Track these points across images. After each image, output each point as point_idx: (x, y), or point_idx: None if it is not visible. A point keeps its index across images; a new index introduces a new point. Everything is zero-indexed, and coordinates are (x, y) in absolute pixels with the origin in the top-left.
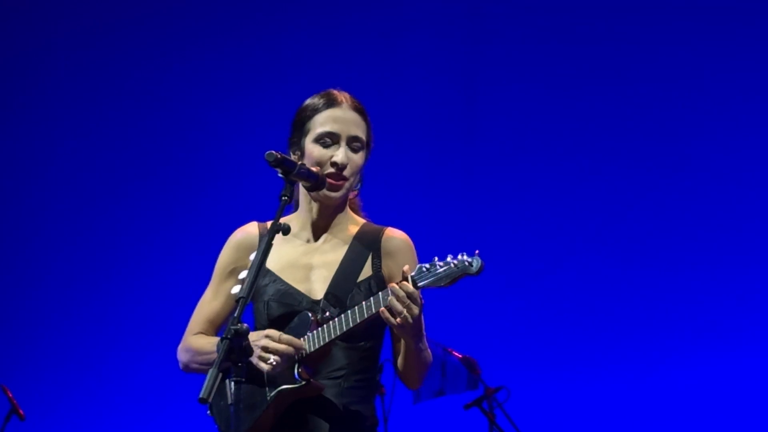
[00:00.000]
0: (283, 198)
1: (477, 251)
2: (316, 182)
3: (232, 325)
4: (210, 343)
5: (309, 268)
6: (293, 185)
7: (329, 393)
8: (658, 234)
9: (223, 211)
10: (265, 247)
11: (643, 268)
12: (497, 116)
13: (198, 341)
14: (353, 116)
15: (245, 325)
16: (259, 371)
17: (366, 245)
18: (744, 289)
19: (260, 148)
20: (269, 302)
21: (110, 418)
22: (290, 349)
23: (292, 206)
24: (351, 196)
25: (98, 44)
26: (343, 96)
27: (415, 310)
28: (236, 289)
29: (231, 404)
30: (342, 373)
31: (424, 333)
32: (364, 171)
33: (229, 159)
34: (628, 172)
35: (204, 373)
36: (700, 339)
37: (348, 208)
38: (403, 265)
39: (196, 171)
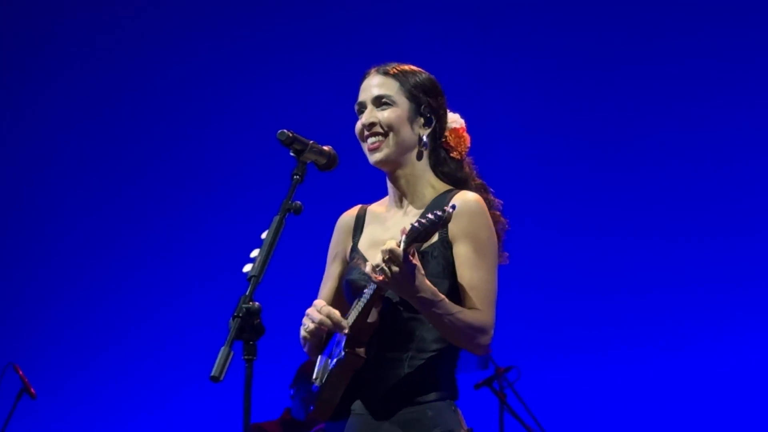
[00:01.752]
0: (294, 177)
1: (455, 205)
2: (328, 161)
3: (244, 303)
4: None
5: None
6: (305, 164)
7: (399, 367)
8: (674, 212)
9: (237, 197)
10: (276, 225)
11: (658, 248)
12: (508, 92)
13: None
14: (377, 80)
15: (257, 303)
16: (328, 356)
17: (436, 209)
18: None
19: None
20: (348, 281)
21: (122, 397)
22: (326, 321)
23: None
24: (467, 161)
25: (100, 31)
26: (376, 67)
27: (395, 268)
28: (248, 268)
29: (314, 380)
30: (411, 345)
31: (433, 299)
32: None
33: (245, 148)
34: (645, 153)
35: (307, 351)
36: (713, 321)
37: (429, 174)
38: (464, 228)
39: (213, 156)
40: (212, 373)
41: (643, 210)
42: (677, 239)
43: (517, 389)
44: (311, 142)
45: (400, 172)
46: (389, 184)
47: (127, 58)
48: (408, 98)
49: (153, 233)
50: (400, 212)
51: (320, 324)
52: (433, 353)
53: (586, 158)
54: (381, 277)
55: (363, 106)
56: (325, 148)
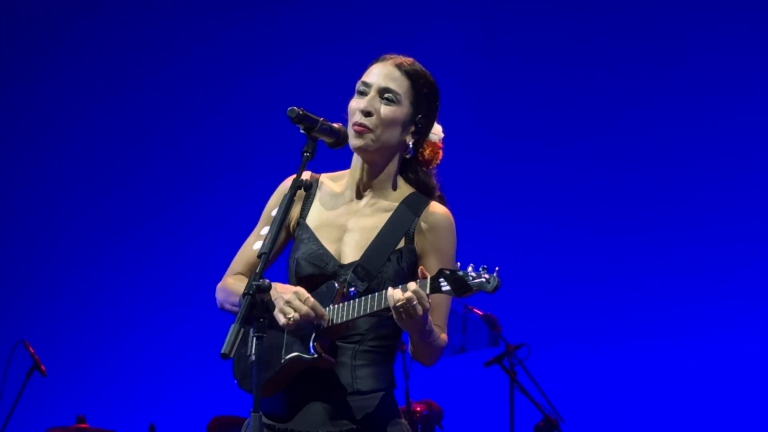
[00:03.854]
0: (305, 154)
1: (497, 268)
2: (337, 139)
3: (254, 281)
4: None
5: (344, 230)
6: (315, 142)
7: (344, 356)
8: (684, 198)
9: (246, 173)
10: (286, 203)
11: (668, 232)
12: (518, 77)
13: (234, 283)
14: (391, 71)
15: (267, 281)
16: (280, 332)
17: (407, 216)
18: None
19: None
20: (299, 260)
21: (132, 375)
22: (311, 313)
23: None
24: (434, 173)
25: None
26: (392, 55)
27: (418, 310)
28: (258, 245)
29: (250, 354)
30: (358, 337)
31: (431, 329)
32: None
33: (253, 137)
34: (658, 140)
35: (235, 314)
36: (722, 305)
37: (398, 175)
38: (435, 244)
39: (226, 139)
40: (222, 350)
41: (652, 197)
42: (686, 224)
43: (527, 367)
44: (321, 119)
45: (375, 165)
46: (358, 167)
47: (126, 59)
48: (412, 103)
49: (162, 214)
50: (361, 202)
51: (305, 316)
52: (379, 347)
53: (596, 150)
54: (398, 314)
55: (368, 88)
56: (335, 125)
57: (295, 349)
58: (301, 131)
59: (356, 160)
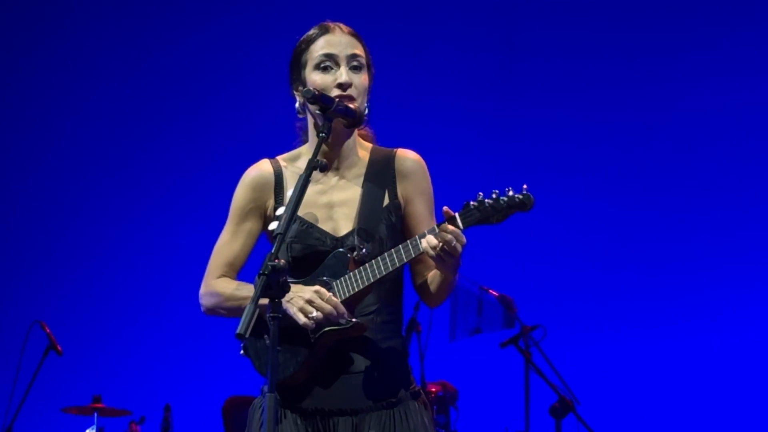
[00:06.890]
0: (320, 134)
1: (525, 186)
2: (354, 118)
3: (270, 261)
4: (237, 289)
5: (330, 206)
6: (331, 122)
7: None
8: (706, 182)
9: (246, 153)
10: (302, 183)
11: (688, 211)
12: (535, 46)
13: (224, 286)
14: (348, 39)
15: (283, 260)
16: (294, 324)
17: (381, 172)
18: None
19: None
20: (291, 243)
21: (147, 355)
22: (333, 312)
23: (298, 141)
24: (363, 131)
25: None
26: (335, 24)
27: (459, 248)
28: (273, 226)
29: (274, 346)
30: (374, 308)
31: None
32: (371, 98)
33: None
34: (675, 120)
35: (232, 316)
36: (740, 288)
37: (357, 135)
38: (419, 187)
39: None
40: (238, 331)
41: (672, 179)
42: (704, 208)
43: (542, 348)
44: (337, 99)
45: (345, 135)
46: (318, 141)
47: (121, 57)
48: (370, 66)
49: (177, 195)
50: (335, 175)
51: (328, 315)
52: (394, 319)
53: (612, 134)
54: (438, 253)
55: (331, 59)
56: (351, 105)
57: (324, 325)
58: (317, 112)
59: (322, 137)
